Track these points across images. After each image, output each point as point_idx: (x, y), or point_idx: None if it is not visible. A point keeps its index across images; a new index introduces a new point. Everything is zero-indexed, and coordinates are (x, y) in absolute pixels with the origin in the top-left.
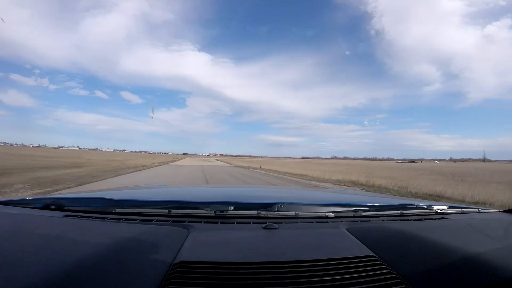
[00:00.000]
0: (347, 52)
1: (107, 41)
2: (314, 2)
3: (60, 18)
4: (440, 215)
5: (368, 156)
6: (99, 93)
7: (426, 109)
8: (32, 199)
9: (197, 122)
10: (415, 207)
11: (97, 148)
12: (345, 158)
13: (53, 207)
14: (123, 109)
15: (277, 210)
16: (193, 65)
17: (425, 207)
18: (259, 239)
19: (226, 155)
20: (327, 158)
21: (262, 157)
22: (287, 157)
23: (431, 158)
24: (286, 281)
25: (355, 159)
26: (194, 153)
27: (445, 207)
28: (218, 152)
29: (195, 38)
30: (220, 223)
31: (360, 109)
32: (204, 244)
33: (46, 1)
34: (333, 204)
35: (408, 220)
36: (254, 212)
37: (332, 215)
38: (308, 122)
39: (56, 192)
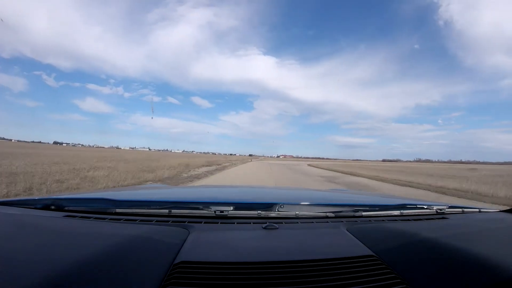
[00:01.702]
0: (416, 46)
1: (176, 50)
2: None
3: (131, 31)
4: (441, 215)
5: (443, 159)
6: (171, 99)
7: (505, 105)
8: (32, 199)
9: (265, 124)
10: (416, 207)
11: (167, 149)
12: (428, 161)
13: (53, 207)
14: (194, 113)
15: (277, 210)
16: (259, 68)
17: (426, 207)
18: (259, 239)
19: (297, 157)
20: (410, 161)
21: (333, 159)
22: (359, 160)
23: (502, 161)
24: (286, 281)
25: (438, 162)
26: (262, 155)
27: (445, 207)
28: (287, 154)
29: (260, 42)
30: (221, 223)
31: (434, 107)
32: (205, 244)
33: (116, 17)
34: (333, 204)
35: (408, 220)
36: (254, 212)
37: (332, 215)
38: (379, 122)
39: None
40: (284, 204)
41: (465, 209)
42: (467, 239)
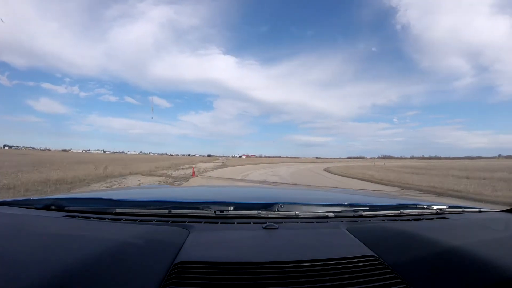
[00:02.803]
0: (374, 49)
1: (135, 49)
2: (338, 1)
3: (89, 28)
4: (441, 214)
5: (405, 155)
6: (128, 99)
7: (458, 104)
8: (32, 200)
9: (225, 124)
10: (415, 207)
11: (123, 152)
12: (390, 157)
13: (53, 207)
14: (153, 113)
15: (277, 210)
16: (219, 68)
17: (425, 207)
18: (259, 239)
19: (259, 156)
20: (374, 158)
21: (292, 157)
22: (318, 157)
23: (463, 156)
24: (287, 281)
25: (401, 158)
26: (222, 155)
27: (445, 206)
28: (249, 153)
29: (220, 41)
30: (221, 223)
31: (390, 107)
32: (205, 244)
33: (74, 13)
34: (333, 204)
35: (408, 220)
36: (254, 212)
37: (332, 215)
38: (337, 121)
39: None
40: (284, 204)
41: (465, 209)
42: (467, 239)
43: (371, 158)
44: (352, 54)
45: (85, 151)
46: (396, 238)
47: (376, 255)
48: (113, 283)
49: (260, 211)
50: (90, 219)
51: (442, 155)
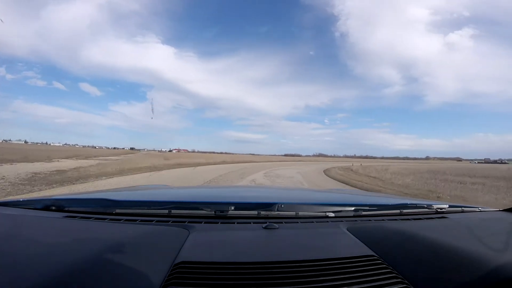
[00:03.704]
0: (311, 53)
1: (69, 30)
2: (283, 2)
3: (20, 2)
4: (440, 214)
5: (325, 153)
6: (57, 84)
7: (386, 110)
8: (32, 200)
9: (159, 116)
10: (415, 207)
11: (46, 143)
12: (323, 155)
13: (53, 208)
14: (82, 101)
15: (277, 210)
16: (156, 57)
17: (425, 206)
18: (259, 239)
19: (192, 151)
20: (309, 156)
21: (227, 153)
22: (252, 154)
23: (391, 156)
24: (287, 281)
25: (334, 156)
26: (152, 148)
27: (445, 206)
28: (182, 147)
29: (160, 29)
30: (221, 223)
31: (323, 108)
32: (205, 244)
33: None
34: (333, 203)
35: (408, 219)
36: (254, 212)
37: (332, 214)
38: (272, 120)
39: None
40: (284, 204)
41: (465, 209)
42: (467, 238)
43: (306, 155)
44: (290, 55)
45: (5, 141)
46: (396, 237)
47: (376, 255)
48: (114, 283)
49: (260, 211)
50: (90, 219)
51: (371, 155)
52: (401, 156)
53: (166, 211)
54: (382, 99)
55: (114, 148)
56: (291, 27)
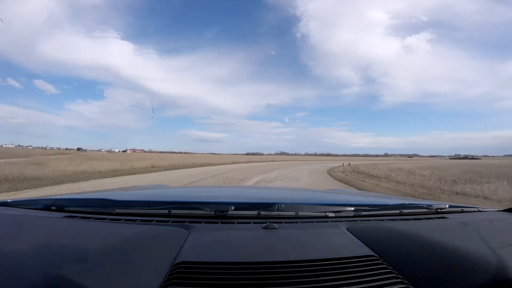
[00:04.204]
0: (273, 52)
1: (26, 22)
2: (246, 1)
3: None
4: (440, 214)
5: (300, 152)
6: (12, 81)
7: (345, 109)
8: (32, 200)
9: (117, 115)
10: (415, 207)
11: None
12: (284, 153)
13: (53, 208)
14: (37, 100)
15: (277, 210)
16: (115, 54)
17: (425, 206)
18: (259, 239)
19: (149, 151)
20: (271, 154)
21: (187, 153)
22: (213, 153)
23: (351, 153)
24: (287, 281)
25: (295, 154)
26: (110, 149)
27: (445, 206)
28: (139, 147)
29: (120, 25)
30: (221, 223)
31: (283, 107)
32: (205, 244)
33: None
34: (333, 203)
35: (408, 219)
36: (254, 212)
37: (332, 214)
38: (233, 118)
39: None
40: (284, 204)
41: (465, 209)
42: (466, 238)
43: (268, 154)
44: (252, 54)
45: None
46: (396, 237)
47: (376, 255)
48: (114, 283)
49: (260, 211)
50: (90, 219)
51: (332, 152)
52: (360, 153)
53: (166, 211)
54: (341, 98)
55: (66, 149)
56: (254, 26)
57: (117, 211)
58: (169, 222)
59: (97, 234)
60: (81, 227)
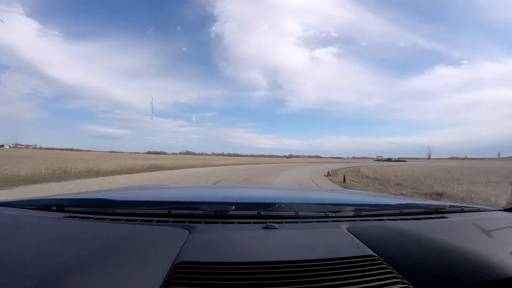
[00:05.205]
0: (185, 49)
1: None
2: None
3: None
4: (440, 214)
5: (193, 151)
6: None
7: (252, 111)
8: (32, 200)
9: (9, 104)
10: (415, 206)
11: None
12: (190, 152)
13: (53, 208)
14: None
15: (277, 210)
16: (17, 32)
17: (425, 206)
18: (259, 239)
19: (39, 148)
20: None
21: (88, 151)
22: (114, 151)
23: (257, 154)
24: (287, 281)
25: (202, 154)
26: None
27: (445, 206)
28: (31, 143)
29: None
30: (221, 223)
31: (191, 106)
32: (205, 244)
33: None
34: (333, 203)
35: (408, 219)
36: (254, 212)
37: (332, 214)
38: (137, 114)
39: None
40: (284, 203)
41: (465, 208)
42: (466, 238)
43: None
44: (163, 48)
45: None
46: (396, 237)
47: (376, 255)
48: (114, 283)
49: (260, 211)
50: (91, 219)
51: (239, 152)
52: (266, 154)
53: (166, 211)
54: (249, 100)
55: None
56: (169, 19)
57: (118, 211)
58: (169, 222)
59: (97, 234)
60: (81, 227)
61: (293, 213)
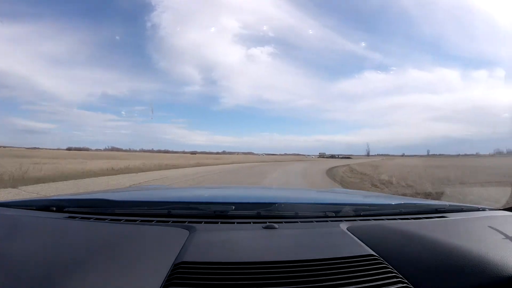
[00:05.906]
0: (117, 37)
1: None
2: None
3: None
4: (440, 213)
5: (120, 147)
6: None
7: (184, 106)
8: (33, 200)
9: None
10: (415, 206)
11: None
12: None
13: (53, 208)
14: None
15: (277, 210)
16: None
17: (425, 205)
18: (259, 239)
19: None
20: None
21: (6, 147)
22: (37, 148)
23: (188, 150)
24: (286, 281)
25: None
26: None
27: (445, 205)
28: None
29: None
30: (221, 223)
31: (121, 99)
32: (205, 244)
33: None
34: (333, 203)
35: (408, 219)
36: (254, 212)
37: (332, 214)
38: (63, 106)
39: None
40: (283, 203)
41: (465, 208)
42: (466, 237)
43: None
44: (94, 35)
45: None
46: (396, 237)
47: (376, 255)
48: (115, 283)
49: (260, 211)
50: (91, 220)
51: (170, 149)
52: (198, 150)
53: (166, 211)
54: (182, 95)
55: None
56: (101, 3)
57: (117, 211)
58: (169, 222)
59: (97, 234)
60: (81, 227)
61: (293, 213)
